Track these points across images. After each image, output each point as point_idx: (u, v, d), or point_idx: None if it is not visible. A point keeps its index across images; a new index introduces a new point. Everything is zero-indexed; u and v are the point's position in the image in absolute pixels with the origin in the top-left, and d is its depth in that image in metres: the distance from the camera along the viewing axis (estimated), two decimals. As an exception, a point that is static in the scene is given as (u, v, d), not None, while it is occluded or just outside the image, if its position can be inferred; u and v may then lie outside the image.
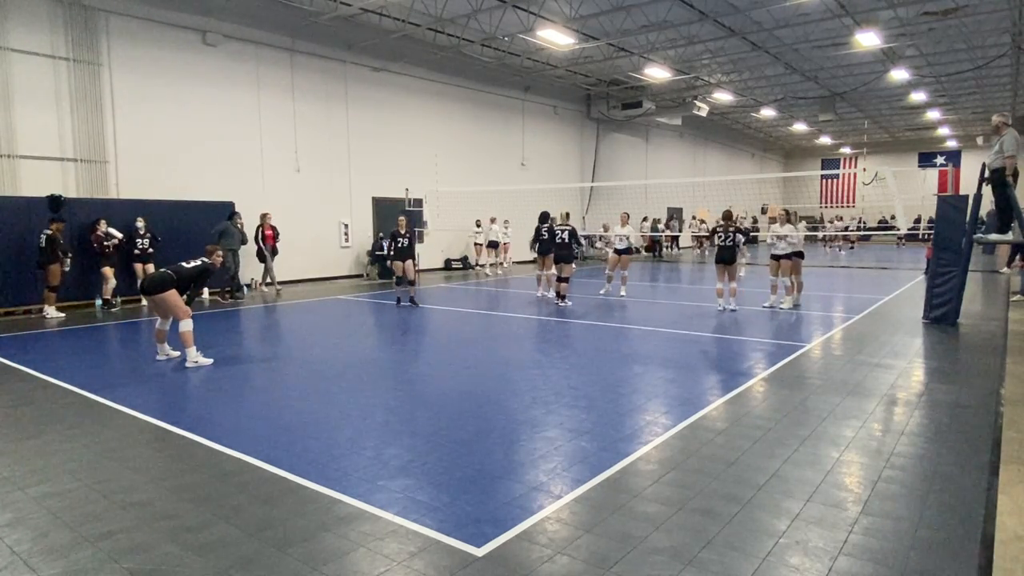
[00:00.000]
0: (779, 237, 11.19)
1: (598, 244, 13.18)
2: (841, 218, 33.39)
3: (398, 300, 12.33)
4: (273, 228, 14.12)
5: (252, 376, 6.92)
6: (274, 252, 14.10)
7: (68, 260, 10.90)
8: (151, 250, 12.15)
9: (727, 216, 11.13)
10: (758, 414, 5.33)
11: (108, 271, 11.59)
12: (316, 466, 4.22)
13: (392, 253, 12.10)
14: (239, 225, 13.24)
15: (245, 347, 8.75)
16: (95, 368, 7.25)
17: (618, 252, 13.26)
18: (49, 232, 10.60)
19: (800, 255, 11.48)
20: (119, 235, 11.73)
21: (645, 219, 25.97)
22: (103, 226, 11.50)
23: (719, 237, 11.01)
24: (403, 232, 11.90)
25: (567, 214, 12.64)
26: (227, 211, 13.64)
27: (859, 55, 20.56)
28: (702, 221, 27.72)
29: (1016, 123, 9.14)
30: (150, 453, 4.56)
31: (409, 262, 11.92)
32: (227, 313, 11.59)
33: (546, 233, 12.52)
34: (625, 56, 20.15)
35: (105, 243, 11.48)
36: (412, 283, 12.04)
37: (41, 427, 5.09)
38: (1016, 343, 7.23)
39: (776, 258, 11.30)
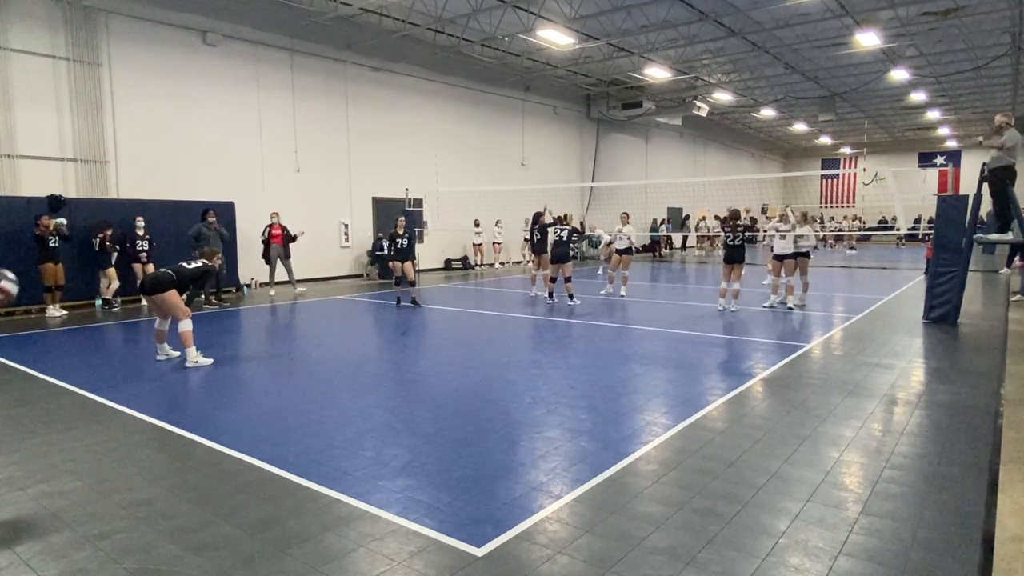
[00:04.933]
0: (789, 235, 11.17)
1: (610, 243, 13.10)
2: (832, 218, 33.31)
3: (398, 300, 12.32)
4: (283, 228, 13.69)
5: (252, 376, 6.92)
6: (286, 254, 13.75)
7: (65, 225, 10.86)
8: (148, 249, 12.15)
9: (734, 215, 11.12)
10: (758, 414, 5.33)
11: (112, 271, 11.62)
12: (316, 466, 4.22)
13: (391, 254, 12.10)
14: (212, 225, 12.31)
15: (245, 347, 8.75)
16: (95, 368, 7.25)
17: (619, 252, 13.27)
18: (37, 232, 10.65)
19: (806, 255, 11.51)
20: (116, 247, 11.84)
21: (665, 221, 26.32)
22: (110, 231, 11.57)
23: (726, 237, 11.01)
24: (401, 233, 11.89)
25: (566, 215, 12.62)
26: (227, 211, 13.61)
27: (859, 55, 20.55)
28: (702, 218, 27.78)
29: (1017, 123, 9.13)
30: (150, 453, 4.56)
31: (408, 263, 11.92)
32: (227, 313, 11.58)
33: (539, 233, 12.52)
34: (625, 56, 20.15)
35: (106, 244, 11.52)
36: (412, 284, 12.03)
37: (41, 427, 5.09)
38: (1016, 343, 7.22)
39: (779, 258, 11.30)
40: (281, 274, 13.92)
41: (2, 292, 4.17)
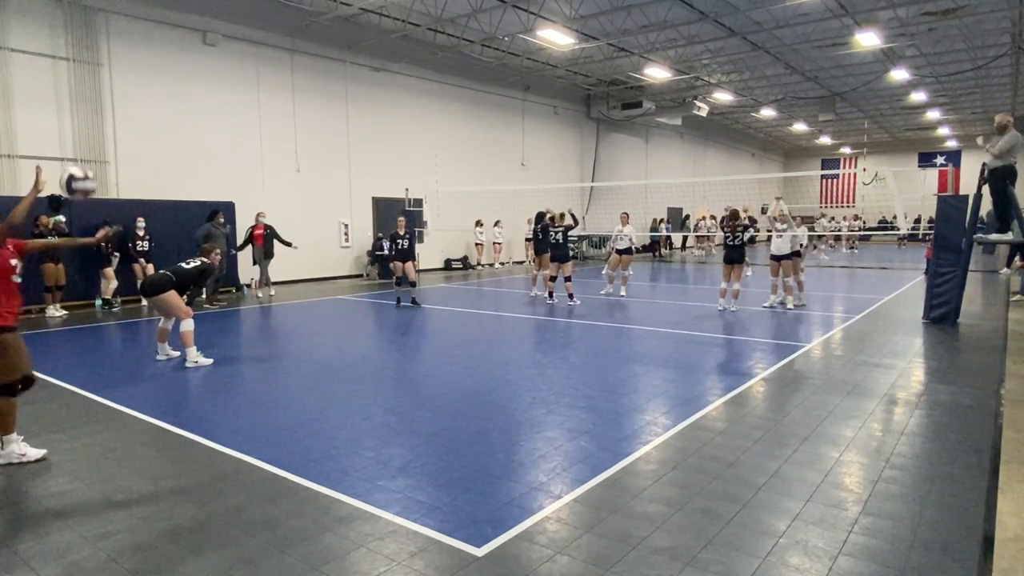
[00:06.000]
0: (786, 235, 11.15)
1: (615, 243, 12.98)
2: (833, 218, 33.23)
3: (398, 300, 12.32)
4: (266, 228, 13.33)
5: (252, 376, 6.92)
6: (267, 254, 13.34)
7: (64, 222, 10.84)
8: (148, 249, 12.14)
9: (734, 215, 11.11)
10: (758, 414, 5.33)
11: (109, 271, 11.64)
12: (316, 466, 4.22)
13: (393, 254, 12.10)
14: (221, 226, 12.50)
15: (245, 347, 8.75)
16: (95, 368, 7.25)
17: (619, 252, 13.27)
18: (36, 232, 10.65)
19: (797, 254, 11.49)
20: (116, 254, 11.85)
21: (665, 221, 26.47)
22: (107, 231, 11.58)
23: (726, 237, 11.00)
24: (403, 233, 11.89)
25: (563, 214, 12.64)
26: (227, 211, 13.55)
27: (859, 55, 20.55)
28: (702, 218, 27.80)
29: (1016, 123, 9.12)
30: (150, 453, 4.56)
31: (410, 263, 11.93)
32: (227, 313, 11.58)
33: (540, 233, 12.51)
34: (625, 56, 20.14)
35: (102, 245, 11.53)
36: (413, 284, 12.04)
37: (41, 427, 5.09)
38: (1016, 343, 7.22)
39: (776, 259, 11.30)
40: (280, 275, 13.90)
41: (82, 193, 4.94)
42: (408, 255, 11.94)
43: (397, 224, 12.06)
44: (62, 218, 11.00)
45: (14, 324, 4.57)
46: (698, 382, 6.49)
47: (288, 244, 13.49)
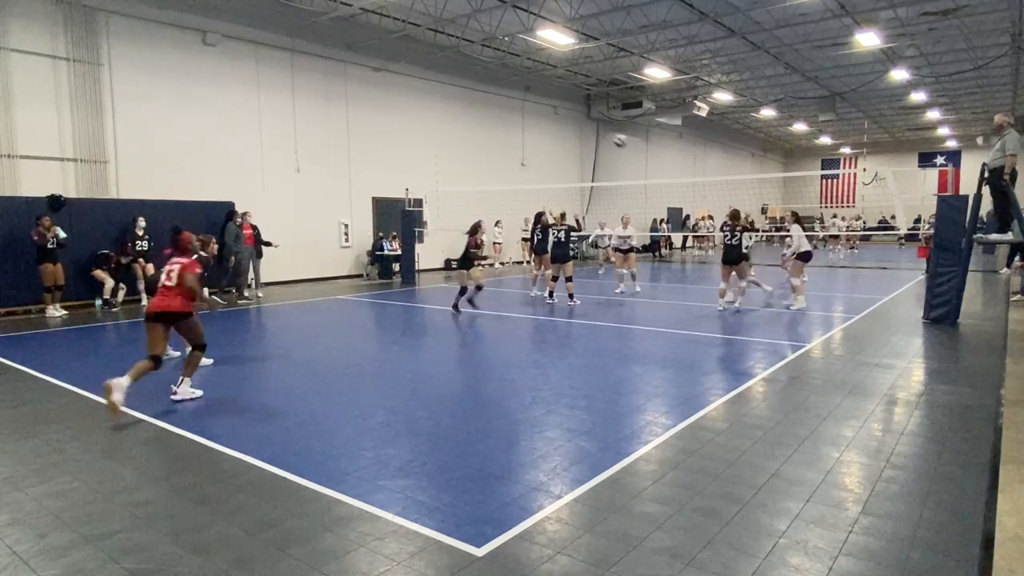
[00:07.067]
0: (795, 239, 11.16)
1: (606, 241, 12.93)
2: (834, 216, 33.13)
3: (467, 302, 11.35)
4: (253, 227, 13.34)
5: (252, 376, 6.92)
6: (257, 254, 13.38)
7: (64, 237, 10.79)
8: (148, 249, 12.14)
9: (734, 216, 11.10)
10: (758, 414, 5.33)
11: (100, 273, 11.58)
12: (316, 466, 4.22)
13: (466, 261, 11.35)
14: (239, 224, 12.96)
15: (245, 347, 8.75)
16: (95, 368, 7.23)
17: (615, 251, 13.29)
18: (35, 237, 10.64)
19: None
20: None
21: (664, 221, 26.56)
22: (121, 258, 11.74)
23: (725, 236, 10.98)
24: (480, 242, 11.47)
25: (563, 214, 12.65)
26: (226, 211, 13.58)
27: (859, 55, 20.55)
28: (702, 218, 27.78)
29: (1016, 123, 9.16)
30: (150, 453, 4.56)
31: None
32: (227, 313, 11.58)
33: (540, 233, 12.48)
34: (625, 56, 20.14)
35: (110, 255, 11.65)
36: (465, 290, 11.34)
37: (41, 427, 5.09)
38: (1016, 343, 7.22)
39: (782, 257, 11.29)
40: (280, 275, 13.86)
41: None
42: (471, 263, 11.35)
43: (481, 229, 11.45)
44: (60, 230, 10.89)
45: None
46: (698, 382, 6.49)
47: (268, 244, 13.54)
